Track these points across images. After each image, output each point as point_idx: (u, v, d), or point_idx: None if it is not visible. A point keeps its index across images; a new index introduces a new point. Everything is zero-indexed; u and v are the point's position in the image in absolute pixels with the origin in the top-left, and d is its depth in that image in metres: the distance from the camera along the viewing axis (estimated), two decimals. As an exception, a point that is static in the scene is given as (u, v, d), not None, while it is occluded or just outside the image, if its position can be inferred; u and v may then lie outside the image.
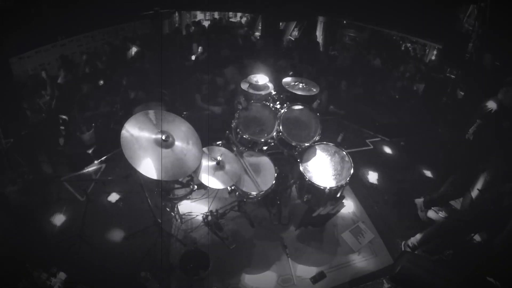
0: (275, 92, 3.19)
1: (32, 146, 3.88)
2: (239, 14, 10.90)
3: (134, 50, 6.20)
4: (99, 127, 4.36)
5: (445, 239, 2.78)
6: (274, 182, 2.67)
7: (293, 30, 10.26)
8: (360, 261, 2.77)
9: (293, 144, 2.79)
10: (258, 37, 8.91)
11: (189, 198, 2.95)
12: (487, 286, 2.30)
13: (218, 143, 2.95)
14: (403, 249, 2.86)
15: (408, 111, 5.32)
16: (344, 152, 2.87)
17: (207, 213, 2.96)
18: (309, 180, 2.64)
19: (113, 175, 3.67)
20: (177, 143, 2.20)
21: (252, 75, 3.10)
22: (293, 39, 9.52)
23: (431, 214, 3.29)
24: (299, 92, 3.05)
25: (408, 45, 8.64)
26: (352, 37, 9.32)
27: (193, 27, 8.82)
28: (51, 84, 5.24)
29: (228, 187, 2.63)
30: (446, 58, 5.07)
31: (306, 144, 2.82)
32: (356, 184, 3.57)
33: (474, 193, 2.95)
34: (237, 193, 2.65)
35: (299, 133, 2.91)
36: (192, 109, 4.48)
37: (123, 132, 2.06)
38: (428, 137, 4.62)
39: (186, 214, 3.07)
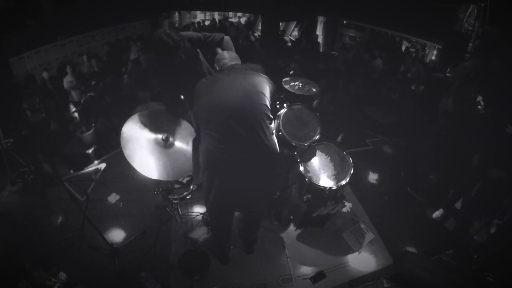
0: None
1: (32, 146, 3.89)
2: (239, 14, 10.90)
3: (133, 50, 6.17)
4: (99, 127, 4.37)
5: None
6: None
7: (293, 30, 10.27)
8: (360, 261, 2.77)
9: (293, 144, 2.79)
10: (258, 37, 8.90)
11: (189, 198, 2.96)
12: (487, 286, 2.30)
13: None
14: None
15: (408, 111, 5.33)
16: (344, 152, 2.87)
17: (207, 213, 2.96)
18: (309, 180, 2.64)
19: (113, 175, 3.68)
20: (177, 143, 2.21)
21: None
22: (293, 39, 9.52)
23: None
24: (298, 92, 3.06)
25: (409, 45, 8.66)
26: (352, 37, 9.33)
27: (192, 27, 8.82)
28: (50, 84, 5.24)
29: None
30: (446, 58, 5.07)
31: (306, 144, 2.82)
32: (356, 184, 3.57)
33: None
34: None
35: (299, 133, 2.90)
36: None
37: (123, 132, 2.07)
38: (428, 137, 4.62)
39: (186, 214, 3.08)
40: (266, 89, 1.95)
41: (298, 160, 2.78)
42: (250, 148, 1.87)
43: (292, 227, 3.01)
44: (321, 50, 8.37)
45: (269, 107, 1.95)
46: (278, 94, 3.10)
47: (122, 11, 6.88)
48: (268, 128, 1.94)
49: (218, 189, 1.97)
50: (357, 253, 2.83)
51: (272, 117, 2.00)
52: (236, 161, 1.88)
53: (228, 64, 2.02)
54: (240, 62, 2.08)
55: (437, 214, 3.22)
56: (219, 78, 1.95)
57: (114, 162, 3.89)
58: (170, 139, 2.18)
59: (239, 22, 10.64)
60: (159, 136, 2.16)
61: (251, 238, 2.65)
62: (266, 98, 1.93)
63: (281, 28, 9.45)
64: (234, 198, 2.10)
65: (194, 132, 2.09)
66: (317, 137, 2.87)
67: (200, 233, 2.91)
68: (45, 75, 5.56)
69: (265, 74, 2.09)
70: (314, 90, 3.12)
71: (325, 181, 2.68)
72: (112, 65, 5.89)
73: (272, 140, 1.98)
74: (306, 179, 2.65)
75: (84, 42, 6.74)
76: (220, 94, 1.87)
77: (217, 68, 2.07)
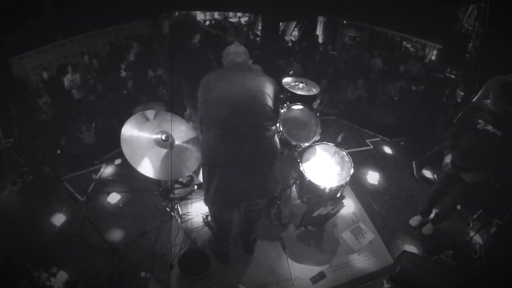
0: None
1: (32, 146, 3.89)
2: (239, 14, 10.89)
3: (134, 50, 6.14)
4: (99, 127, 4.37)
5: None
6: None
7: (293, 30, 10.27)
8: (360, 261, 2.77)
9: (293, 144, 2.79)
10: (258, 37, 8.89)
11: (189, 198, 2.96)
12: (487, 286, 2.30)
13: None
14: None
15: (408, 111, 5.33)
16: (344, 152, 2.87)
17: (207, 213, 2.96)
18: (309, 180, 2.64)
19: (113, 175, 3.67)
20: (177, 143, 2.21)
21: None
22: (293, 39, 9.51)
23: (426, 173, 3.66)
24: (299, 92, 3.06)
25: (409, 46, 8.66)
26: (352, 37, 9.33)
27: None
28: (50, 85, 5.24)
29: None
30: (446, 58, 5.06)
31: (306, 144, 2.82)
32: (356, 184, 3.58)
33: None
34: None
35: (299, 133, 2.91)
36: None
37: (123, 132, 2.07)
38: (428, 137, 4.63)
39: (186, 214, 3.08)
40: (270, 90, 1.94)
41: (298, 160, 2.78)
42: (251, 147, 1.88)
43: (292, 227, 3.01)
44: (321, 50, 8.36)
45: (272, 108, 1.94)
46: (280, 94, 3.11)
47: (122, 11, 6.87)
48: (270, 129, 1.95)
49: (218, 186, 1.98)
50: (357, 253, 2.84)
51: (275, 118, 1.99)
52: (236, 159, 1.88)
53: (234, 60, 2.00)
54: (247, 58, 2.06)
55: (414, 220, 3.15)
56: (225, 75, 1.96)
57: (114, 162, 3.89)
58: (170, 139, 2.18)
59: (239, 22, 10.64)
60: (159, 136, 2.16)
61: (251, 238, 2.65)
62: (269, 99, 1.92)
63: (281, 28, 9.43)
64: (233, 195, 2.10)
65: (198, 126, 2.10)
66: (317, 137, 2.87)
67: (200, 233, 2.91)
68: (45, 75, 5.56)
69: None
70: (314, 90, 3.13)
71: (325, 181, 2.68)
72: (112, 65, 5.89)
73: (274, 140, 1.98)
74: (306, 179, 2.65)
75: (84, 42, 6.73)
76: (224, 90, 1.87)
77: (224, 62, 2.06)
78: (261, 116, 1.88)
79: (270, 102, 1.92)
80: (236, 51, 2.03)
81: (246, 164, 1.91)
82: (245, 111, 1.85)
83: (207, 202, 2.18)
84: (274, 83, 2.01)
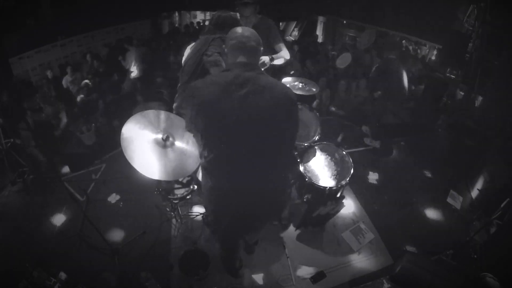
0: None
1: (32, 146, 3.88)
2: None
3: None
4: (99, 127, 4.37)
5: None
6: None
7: (293, 30, 10.27)
8: (360, 261, 2.77)
9: (293, 144, 2.78)
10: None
11: (189, 198, 2.95)
12: (487, 286, 2.29)
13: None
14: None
15: (409, 111, 5.33)
16: (344, 152, 2.87)
17: (207, 213, 2.95)
18: (309, 180, 2.64)
19: (113, 175, 3.67)
20: (177, 143, 2.21)
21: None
22: (293, 39, 9.51)
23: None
24: (298, 92, 3.06)
25: (410, 47, 8.65)
26: (352, 37, 9.32)
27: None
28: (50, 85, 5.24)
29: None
30: (446, 58, 5.07)
31: (306, 144, 2.82)
32: (356, 184, 3.57)
33: (474, 193, 2.96)
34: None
35: (299, 133, 2.90)
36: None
37: (123, 132, 2.07)
38: (428, 137, 4.63)
39: (186, 214, 3.07)
40: (287, 108, 1.54)
41: (298, 160, 2.78)
42: (259, 178, 1.57)
43: (292, 227, 3.01)
44: (320, 50, 8.36)
45: (290, 134, 1.62)
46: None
47: (122, 11, 6.87)
48: (285, 156, 1.69)
49: (230, 223, 1.76)
50: (357, 253, 2.84)
51: (292, 142, 1.71)
52: (244, 189, 1.59)
53: (239, 56, 1.50)
54: (260, 47, 1.57)
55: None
56: (222, 78, 1.48)
57: (114, 162, 3.90)
58: (170, 139, 2.18)
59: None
60: (159, 136, 2.16)
61: (253, 241, 2.65)
62: (286, 121, 1.55)
63: (281, 28, 9.44)
64: (242, 228, 1.96)
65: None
66: (317, 137, 2.87)
67: (200, 233, 2.91)
68: (49, 74, 5.58)
69: None
70: (314, 90, 3.13)
71: (325, 181, 2.68)
72: (112, 65, 5.89)
73: (289, 168, 1.88)
74: (306, 179, 2.65)
75: (84, 42, 6.74)
76: (221, 99, 1.42)
77: (225, 50, 1.59)
78: (271, 138, 1.50)
79: (286, 125, 1.56)
80: (242, 39, 1.48)
81: (256, 197, 1.63)
82: (249, 128, 1.44)
83: (215, 232, 2.09)
84: (289, 96, 1.59)
